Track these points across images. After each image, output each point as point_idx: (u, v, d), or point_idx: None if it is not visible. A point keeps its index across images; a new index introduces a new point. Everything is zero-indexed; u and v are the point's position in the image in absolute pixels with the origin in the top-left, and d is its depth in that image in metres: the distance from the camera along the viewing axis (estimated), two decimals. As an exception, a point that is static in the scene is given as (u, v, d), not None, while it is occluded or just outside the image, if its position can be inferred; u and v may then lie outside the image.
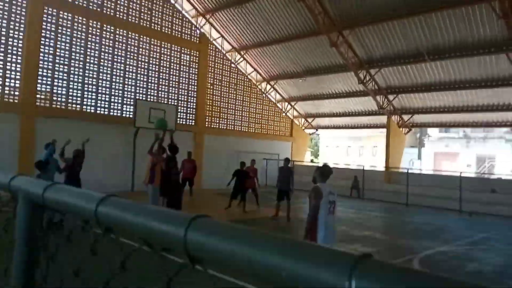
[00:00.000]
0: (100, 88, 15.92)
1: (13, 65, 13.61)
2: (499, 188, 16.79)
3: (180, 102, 18.76)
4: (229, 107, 21.25)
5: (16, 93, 13.70)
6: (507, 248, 8.80)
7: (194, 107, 19.39)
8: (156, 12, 17.75)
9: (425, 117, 21.07)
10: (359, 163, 36.85)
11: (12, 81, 13.62)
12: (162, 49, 18.01)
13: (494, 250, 8.46)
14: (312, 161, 42.88)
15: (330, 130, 34.99)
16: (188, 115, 19.26)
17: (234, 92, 21.52)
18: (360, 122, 23.94)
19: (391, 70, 18.11)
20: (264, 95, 23.20)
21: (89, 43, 15.55)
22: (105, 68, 16.04)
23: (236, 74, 21.58)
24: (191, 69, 19.24)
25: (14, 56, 13.61)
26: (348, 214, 13.33)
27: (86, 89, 15.51)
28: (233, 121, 21.50)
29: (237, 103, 21.65)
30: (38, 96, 14.23)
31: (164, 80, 18.11)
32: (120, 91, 16.57)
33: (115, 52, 16.36)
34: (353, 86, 20.09)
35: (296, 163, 24.43)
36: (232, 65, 21.43)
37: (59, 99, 14.85)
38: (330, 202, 4.69)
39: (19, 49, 13.72)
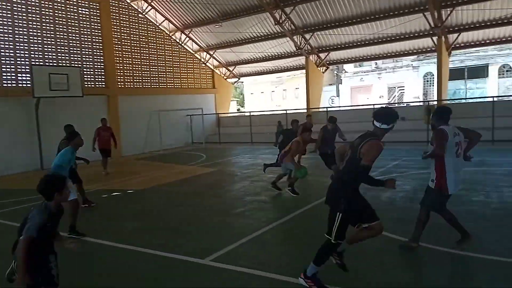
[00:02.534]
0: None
1: None
2: (408, 115, 18.12)
3: (85, 63, 17.02)
4: (142, 63, 19.81)
5: None
6: (416, 172, 9.56)
7: (102, 67, 17.75)
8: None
9: (340, 53, 21.60)
10: (284, 107, 37.65)
11: None
12: (55, 4, 15.82)
13: (403, 176, 9.13)
14: (239, 110, 42.80)
15: (253, 77, 34.91)
16: (97, 77, 17.64)
17: (146, 46, 19.99)
18: (280, 65, 23.95)
19: (306, 7, 17.91)
20: (180, 46, 21.94)
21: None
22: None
23: (145, 26, 19.94)
24: (92, 24, 17.31)
25: None
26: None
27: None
28: (149, 78, 20.20)
29: (151, 58, 20.24)
30: None
31: (62, 40, 16.13)
32: (12, 59, 14.50)
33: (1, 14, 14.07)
34: (270, 28, 19.72)
35: (221, 115, 24.17)
36: (140, 15, 19.69)
37: None
38: (456, 143, 4.42)
39: None
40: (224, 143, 21.12)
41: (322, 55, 21.50)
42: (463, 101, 23.68)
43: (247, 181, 10.03)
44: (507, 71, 29.08)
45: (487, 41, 18.40)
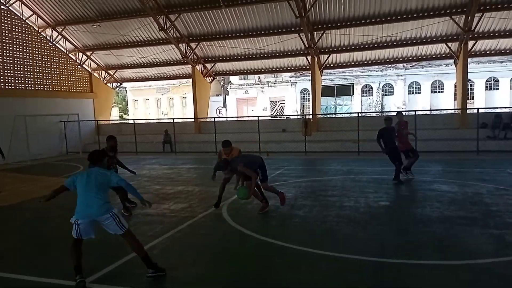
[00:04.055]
0: None
1: None
2: (288, 127, 19.53)
3: None
4: (4, 61, 17.27)
5: None
6: (295, 181, 10.23)
7: (-51, 62, 14.93)
8: None
9: (226, 65, 22.12)
10: (170, 115, 36.94)
11: None
12: None
13: (285, 185, 9.69)
14: (121, 117, 40.47)
15: (137, 83, 33.49)
16: None
17: (10, 42, 17.50)
18: (166, 72, 23.40)
19: (191, 16, 17.89)
20: (51, 44, 19.74)
21: None
22: None
23: (9, 19, 17.47)
24: None
25: None
26: (163, 171, 13.17)
27: None
28: (12, 78, 17.68)
29: (15, 56, 17.76)
30: None
31: None
32: None
33: None
34: (154, 33, 19.14)
35: (101, 122, 22.48)
36: (3, 7, 17.18)
37: None
38: None
39: None
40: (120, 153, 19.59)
41: (209, 66, 21.72)
42: (334, 115, 26.50)
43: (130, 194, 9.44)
44: (368, 90, 33.57)
45: (352, 63, 20.96)
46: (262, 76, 35.66)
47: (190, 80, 22.00)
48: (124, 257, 5.08)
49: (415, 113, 16.15)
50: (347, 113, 28.06)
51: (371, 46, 18.40)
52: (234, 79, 37.45)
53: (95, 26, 18.59)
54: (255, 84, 37.13)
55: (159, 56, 21.29)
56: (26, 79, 18.35)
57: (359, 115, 17.16)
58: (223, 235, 6.16)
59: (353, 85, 33.72)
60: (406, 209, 7.30)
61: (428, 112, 23.89)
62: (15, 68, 17.78)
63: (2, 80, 17.14)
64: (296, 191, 8.91)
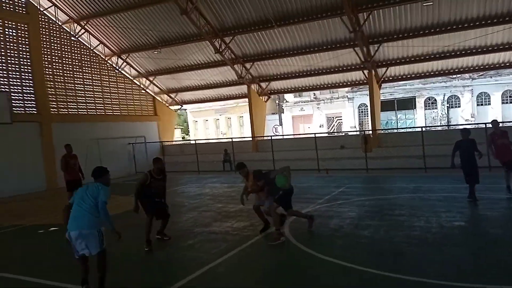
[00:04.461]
0: None
1: None
2: (346, 143, 19.04)
3: (13, 87, 15.79)
4: (77, 88, 18.82)
5: None
6: (358, 199, 9.85)
7: (32, 91, 16.57)
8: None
9: (281, 83, 22.21)
10: (229, 135, 37.79)
11: None
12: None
13: (348, 203, 9.37)
14: (183, 138, 42.06)
15: (197, 105, 34.81)
16: (26, 102, 16.40)
17: (81, 70, 19.09)
18: (223, 93, 24.08)
19: (244, 37, 18.33)
20: (117, 71, 21.22)
21: None
22: None
23: (79, 49, 19.09)
24: (20, 46, 16.24)
25: None
26: (224, 189, 13.37)
27: None
28: (85, 104, 19.19)
29: (86, 83, 19.30)
30: None
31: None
32: None
33: None
34: (210, 56, 19.80)
35: (165, 143, 23.54)
36: (73, 38, 18.86)
37: None
38: None
39: None
40: (169, 172, 19.96)
41: (264, 85, 21.99)
42: (395, 131, 25.43)
43: (195, 211, 9.68)
44: (432, 103, 31.91)
45: (413, 75, 20.05)
46: (317, 92, 35.40)
47: (246, 100, 22.39)
48: (187, 276, 5.14)
49: (485, 125, 14.98)
50: (410, 127, 26.77)
51: (432, 56, 17.53)
52: (289, 97, 37.56)
53: (156, 52, 19.76)
54: (311, 101, 36.92)
55: (216, 77, 21.98)
56: (96, 104, 19.81)
57: (423, 129, 16.27)
58: (286, 255, 6.04)
59: (415, 98, 32.25)
60: (483, 229, 6.71)
61: (500, 125, 22.06)
62: (86, 95, 19.27)
63: (75, 106, 18.65)
64: (360, 210, 8.56)
